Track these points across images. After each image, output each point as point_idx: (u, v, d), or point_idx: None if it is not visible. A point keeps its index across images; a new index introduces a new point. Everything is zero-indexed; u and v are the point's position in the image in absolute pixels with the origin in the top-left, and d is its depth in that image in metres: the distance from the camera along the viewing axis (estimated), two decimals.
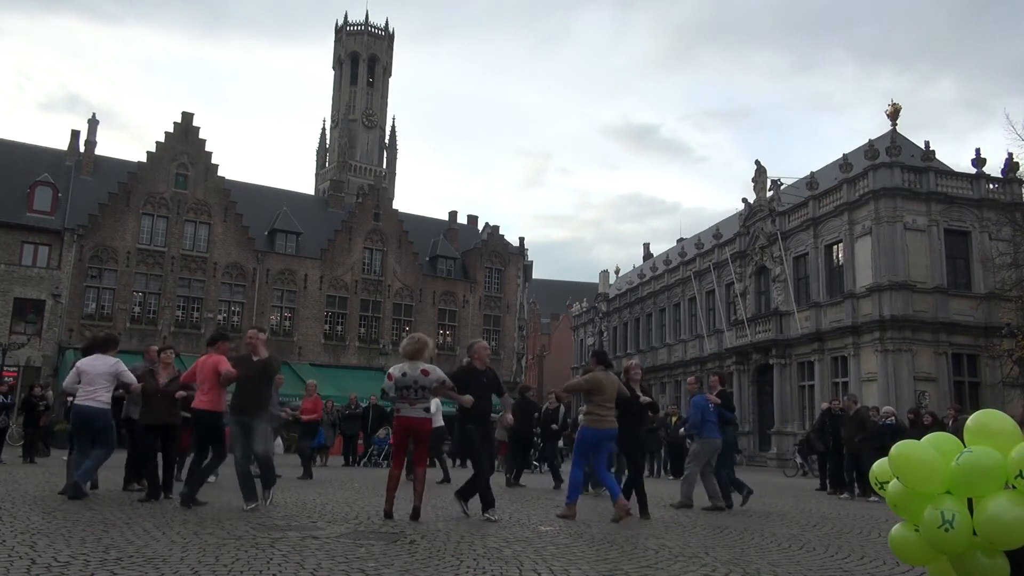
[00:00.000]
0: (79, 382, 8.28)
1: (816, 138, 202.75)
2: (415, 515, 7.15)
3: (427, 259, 43.13)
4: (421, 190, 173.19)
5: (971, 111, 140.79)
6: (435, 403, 13.90)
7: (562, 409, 15.26)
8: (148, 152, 36.97)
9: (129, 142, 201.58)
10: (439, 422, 14.33)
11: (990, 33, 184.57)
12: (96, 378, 8.25)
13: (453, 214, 47.53)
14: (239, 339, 35.88)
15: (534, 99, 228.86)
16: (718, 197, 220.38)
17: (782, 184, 35.32)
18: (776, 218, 34.83)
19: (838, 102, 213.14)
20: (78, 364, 8.49)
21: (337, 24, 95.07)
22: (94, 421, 8.24)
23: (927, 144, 30.84)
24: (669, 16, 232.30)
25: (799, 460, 25.54)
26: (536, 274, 55.69)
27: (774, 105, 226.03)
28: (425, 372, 7.37)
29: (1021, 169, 29.77)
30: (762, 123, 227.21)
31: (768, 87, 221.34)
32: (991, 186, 30.15)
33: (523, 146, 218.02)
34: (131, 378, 8.49)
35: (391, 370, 7.59)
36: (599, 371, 8.30)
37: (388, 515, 7.17)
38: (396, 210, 43.59)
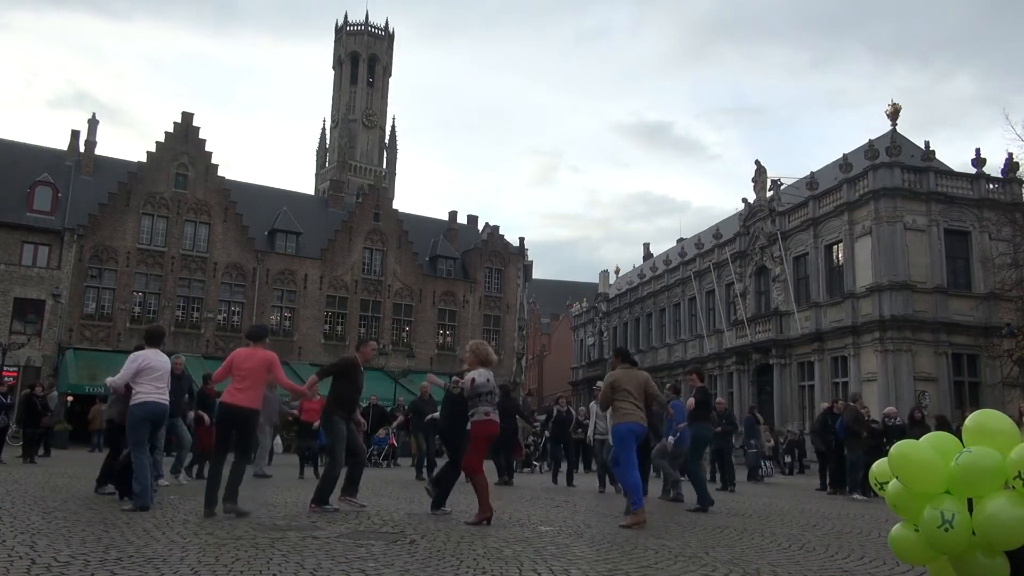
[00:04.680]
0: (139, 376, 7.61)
1: (829, 135, 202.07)
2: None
3: (427, 259, 43.13)
4: (421, 190, 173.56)
5: (989, 108, 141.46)
6: None
7: (557, 412, 15.19)
8: (148, 152, 36.98)
9: (137, 139, 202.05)
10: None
11: (1010, 30, 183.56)
12: (165, 374, 7.76)
13: (453, 214, 47.53)
14: (238, 340, 36.05)
15: (546, 97, 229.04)
16: (728, 196, 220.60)
17: (782, 184, 35.33)
18: (776, 218, 34.82)
19: (854, 99, 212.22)
20: (143, 357, 7.73)
21: (337, 24, 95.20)
22: (165, 418, 7.94)
23: (927, 144, 30.85)
24: (685, 13, 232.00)
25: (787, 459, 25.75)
26: (542, 274, 55.86)
27: (788, 103, 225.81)
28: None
29: (1021, 169, 29.79)
30: (776, 121, 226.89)
31: (783, 84, 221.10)
32: (991, 186, 30.15)
33: (534, 144, 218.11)
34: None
35: (476, 376, 7.59)
36: (620, 368, 8.31)
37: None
38: (396, 210, 43.58)
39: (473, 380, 7.48)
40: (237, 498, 7.10)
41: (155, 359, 7.72)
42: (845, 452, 14.66)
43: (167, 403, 7.79)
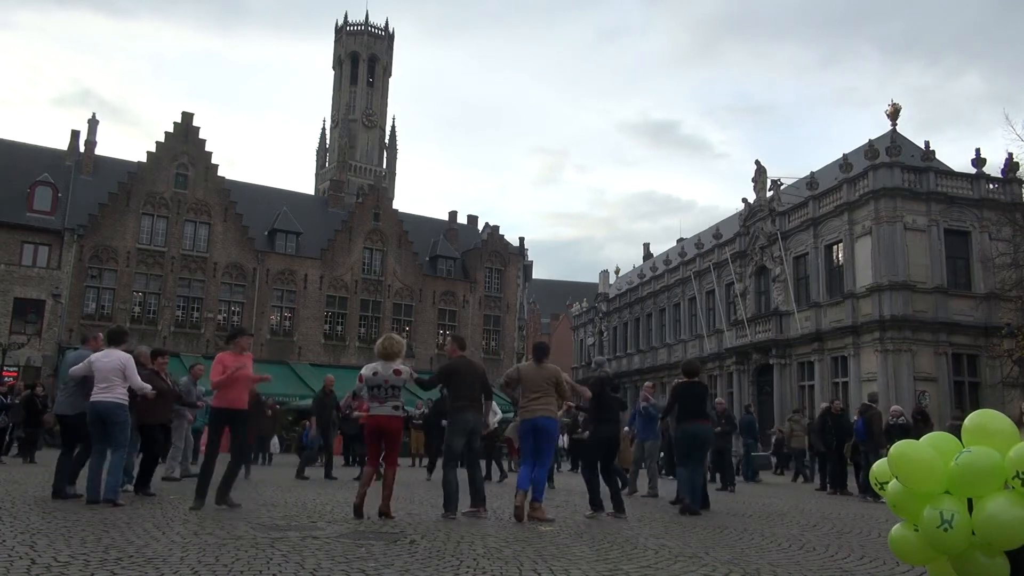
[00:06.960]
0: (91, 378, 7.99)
1: (837, 134, 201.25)
2: (382, 514, 7.11)
3: (427, 259, 43.15)
4: (421, 190, 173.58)
5: (998, 106, 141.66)
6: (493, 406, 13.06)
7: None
8: (148, 152, 37.01)
9: (141, 137, 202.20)
10: (494, 424, 14.03)
11: (1019, 28, 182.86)
12: (110, 373, 7.89)
13: (453, 214, 47.57)
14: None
15: (551, 96, 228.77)
16: (733, 195, 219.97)
17: (782, 184, 35.34)
18: (776, 218, 34.82)
19: (863, 97, 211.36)
20: (90, 359, 8.10)
21: (337, 24, 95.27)
22: (112, 415, 7.82)
23: (927, 144, 30.88)
24: (693, 11, 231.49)
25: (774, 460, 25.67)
26: (546, 273, 55.86)
27: (796, 101, 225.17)
28: (397, 372, 7.44)
29: (1021, 169, 29.79)
30: (783, 119, 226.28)
31: (791, 83, 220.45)
32: (991, 186, 30.17)
33: (540, 143, 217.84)
34: (138, 379, 8.14)
35: (362, 370, 7.69)
36: (524, 363, 8.58)
37: (357, 511, 7.10)
38: (396, 210, 43.61)
39: (360, 377, 7.61)
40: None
41: (99, 360, 7.97)
42: (845, 453, 14.67)
43: (106, 401, 7.82)
